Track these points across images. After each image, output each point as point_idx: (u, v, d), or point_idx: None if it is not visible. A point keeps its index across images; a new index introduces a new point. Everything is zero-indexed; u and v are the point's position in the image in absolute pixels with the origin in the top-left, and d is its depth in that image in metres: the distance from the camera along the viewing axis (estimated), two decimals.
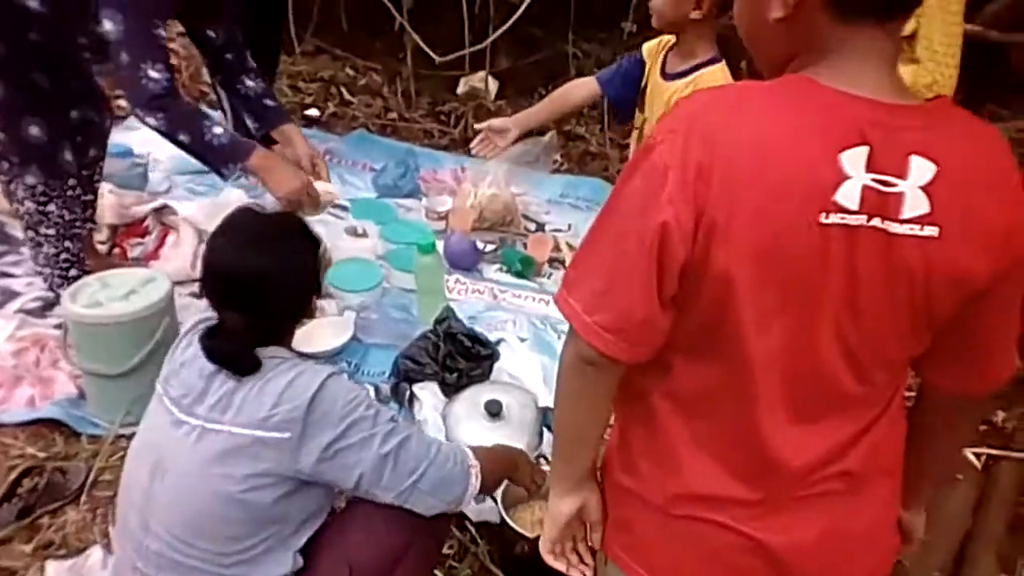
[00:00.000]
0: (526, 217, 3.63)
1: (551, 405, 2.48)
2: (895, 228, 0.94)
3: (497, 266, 3.27)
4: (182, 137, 2.45)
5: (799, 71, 0.98)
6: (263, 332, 1.58)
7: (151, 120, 2.40)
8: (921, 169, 0.93)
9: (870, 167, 0.92)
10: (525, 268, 3.21)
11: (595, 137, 4.52)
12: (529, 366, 2.64)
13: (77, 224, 2.74)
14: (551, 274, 3.25)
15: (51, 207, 2.65)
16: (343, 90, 4.76)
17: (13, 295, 2.89)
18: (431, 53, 4.19)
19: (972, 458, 2.49)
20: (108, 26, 2.28)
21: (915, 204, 0.93)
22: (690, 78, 2.41)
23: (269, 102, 2.85)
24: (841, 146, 0.92)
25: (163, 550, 1.53)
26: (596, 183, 3.97)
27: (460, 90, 4.80)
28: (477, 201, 3.44)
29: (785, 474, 1.06)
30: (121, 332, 2.38)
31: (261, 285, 1.56)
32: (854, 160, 0.92)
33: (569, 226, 3.59)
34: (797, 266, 0.95)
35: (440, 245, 3.12)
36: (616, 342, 1.00)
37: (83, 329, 2.41)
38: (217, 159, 2.50)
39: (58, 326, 2.74)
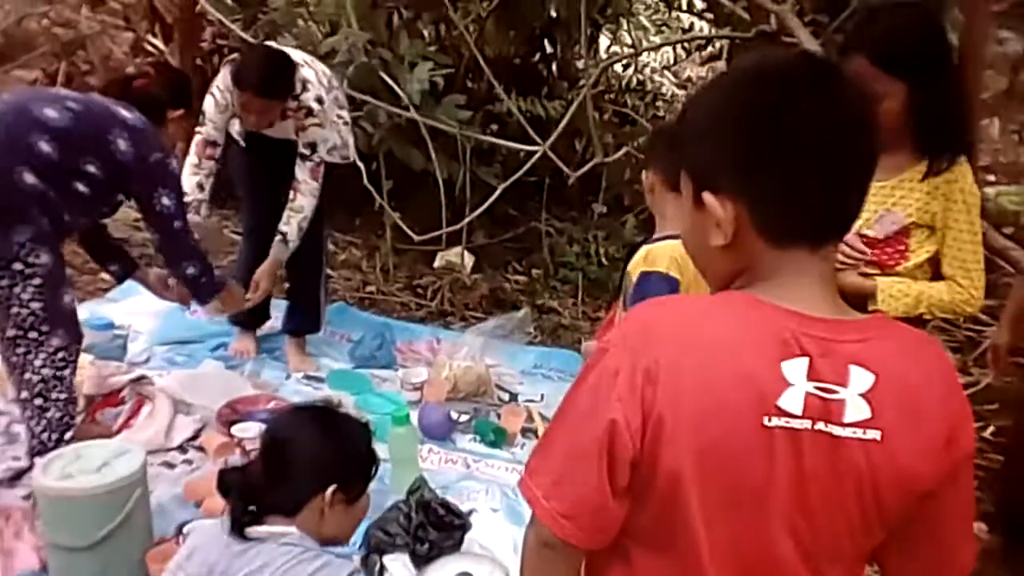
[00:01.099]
0: (499, 387, 3.69)
1: None
2: (839, 431, 0.99)
3: (470, 436, 3.31)
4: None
5: (742, 288, 1.06)
6: (273, 496, 1.66)
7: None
8: (860, 378, 0.99)
9: (811, 376, 0.99)
10: (498, 438, 3.25)
11: (568, 310, 4.66)
12: (501, 537, 2.64)
13: (75, 389, 2.82)
14: (524, 444, 3.28)
15: (66, 371, 2.73)
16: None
17: None
18: (409, 232, 4.37)
19: None
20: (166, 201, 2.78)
21: (856, 410, 0.99)
22: (643, 249, 2.32)
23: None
24: (782, 356, 0.99)
25: None
26: (568, 355, 4.07)
27: (437, 264, 4.97)
28: (452, 372, 3.51)
29: None
30: (92, 505, 2.36)
31: (283, 451, 1.70)
32: (795, 369, 0.99)
33: (542, 396, 3.65)
34: (742, 465, 0.99)
35: (415, 415, 3.17)
36: (571, 528, 1.05)
37: (52, 501, 2.39)
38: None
39: (27, 496, 2.73)
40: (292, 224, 3.38)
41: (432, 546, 2.51)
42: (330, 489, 1.69)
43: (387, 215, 4.70)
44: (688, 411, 0.99)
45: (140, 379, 3.34)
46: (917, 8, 2.09)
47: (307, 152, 3.39)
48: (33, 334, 2.64)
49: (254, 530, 1.63)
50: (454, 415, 3.35)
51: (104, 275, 4.38)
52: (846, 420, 0.99)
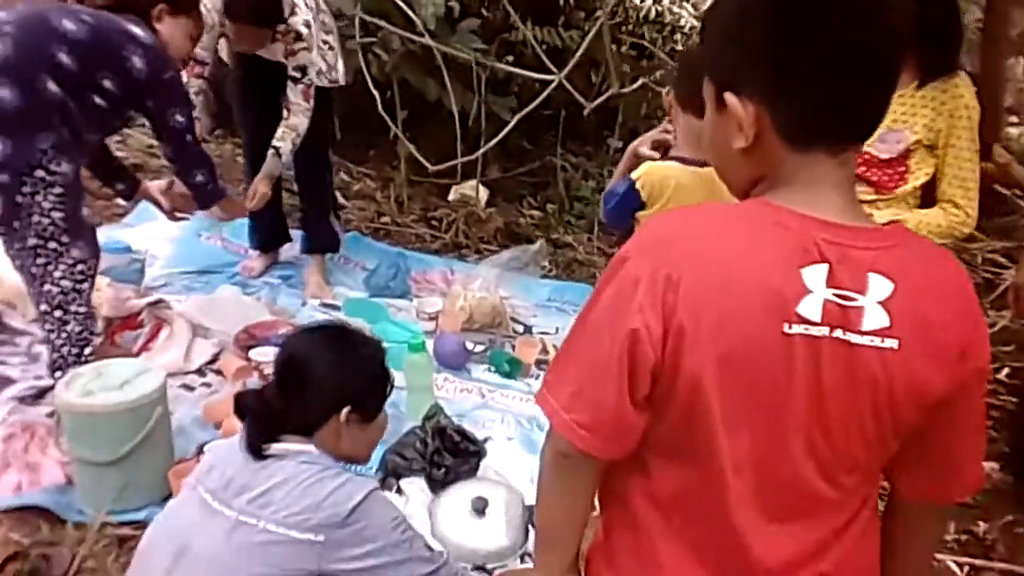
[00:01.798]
0: (514, 320, 3.71)
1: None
2: (856, 339, 0.99)
3: (485, 366, 3.33)
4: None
5: (761, 195, 1.06)
6: (289, 416, 1.67)
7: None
8: (879, 286, 1.00)
9: (830, 283, 0.99)
10: (513, 369, 3.28)
11: (583, 246, 4.65)
12: (516, 464, 2.68)
13: (92, 305, 2.84)
14: (538, 375, 3.31)
15: (85, 285, 2.75)
16: (337, 194, 4.91)
17: (8, 382, 2.92)
18: (424, 162, 4.34)
19: (955, 568, 2.52)
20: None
21: (875, 318, 0.99)
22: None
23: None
24: (801, 263, 0.99)
25: None
26: (583, 288, 4.08)
27: (451, 197, 4.95)
28: (467, 303, 3.53)
29: (761, 574, 1.09)
30: (113, 421, 2.41)
31: (299, 371, 1.70)
32: (814, 276, 0.99)
33: (556, 329, 3.67)
34: (762, 373, 1.00)
35: (430, 345, 3.20)
36: (591, 439, 1.06)
37: (76, 418, 2.44)
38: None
39: (50, 414, 2.77)
40: (286, 140, 3.46)
41: (448, 471, 2.56)
42: (346, 409, 1.70)
43: (401, 145, 4.67)
44: (709, 318, 0.98)
45: (158, 303, 3.36)
46: None
47: (297, 75, 3.46)
48: (53, 244, 2.65)
49: (273, 447, 1.65)
50: (469, 345, 3.38)
51: (119, 201, 4.40)
52: (864, 328, 0.99)
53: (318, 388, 1.70)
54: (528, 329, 3.69)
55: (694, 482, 1.07)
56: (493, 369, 3.31)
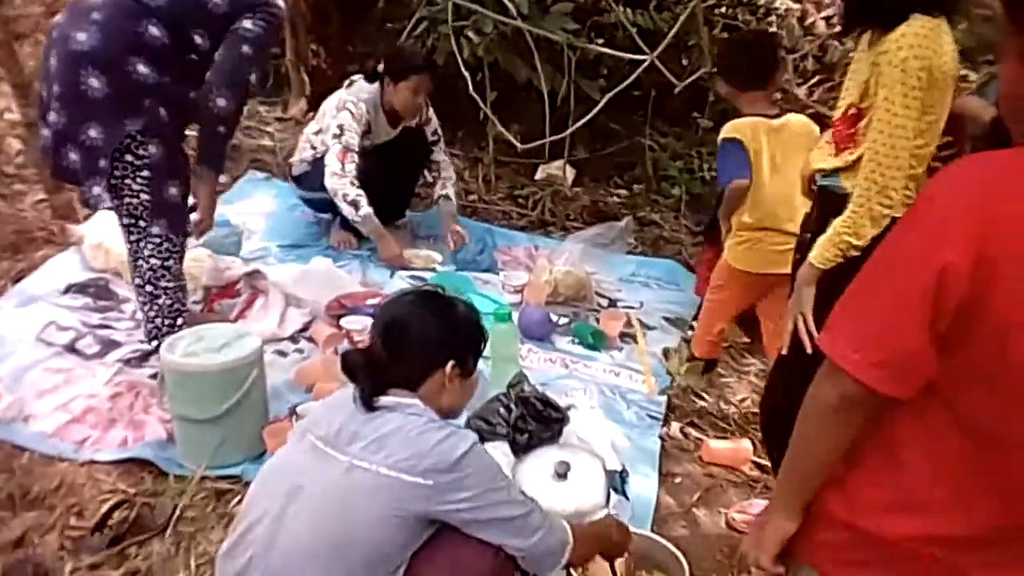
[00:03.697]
0: (599, 294, 3.73)
1: (619, 468, 2.54)
2: None
3: (569, 338, 3.36)
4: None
5: None
6: (395, 372, 1.75)
7: None
8: None
9: None
10: (597, 341, 3.29)
11: (669, 224, 4.62)
12: (599, 431, 2.69)
13: (183, 278, 2.95)
14: (622, 348, 3.32)
15: (171, 262, 2.87)
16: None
17: (115, 345, 3.08)
18: (513, 141, 4.38)
19: None
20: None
21: None
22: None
23: None
24: None
25: (280, 570, 1.65)
26: (669, 264, 4.06)
27: (538, 176, 4.98)
28: (552, 276, 3.56)
29: None
30: (213, 381, 2.52)
31: (404, 330, 1.78)
32: None
33: (641, 303, 3.67)
34: None
35: (515, 316, 3.24)
36: (885, 377, 1.06)
37: (178, 377, 2.56)
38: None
39: (153, 376, 2.91)
40: (449, 188, 4.16)
41: (531, 436, 2.59)
42: (450, 364, 1.78)
43: (490, 126, 4.71)
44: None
45: (254, 273, 3.49)
46: None
47: (435, 138, 4.18)
48: (142, 223, 2.77)
49: (382, 400, 1.73)
50: (553, 317, 3.40)
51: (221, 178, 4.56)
52: None
53: (423, 343, 1.79)
54: (613, 303, 3.70)
55: (984, 422, 1.05)
56: (577, 341, 3.33)
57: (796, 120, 2.94)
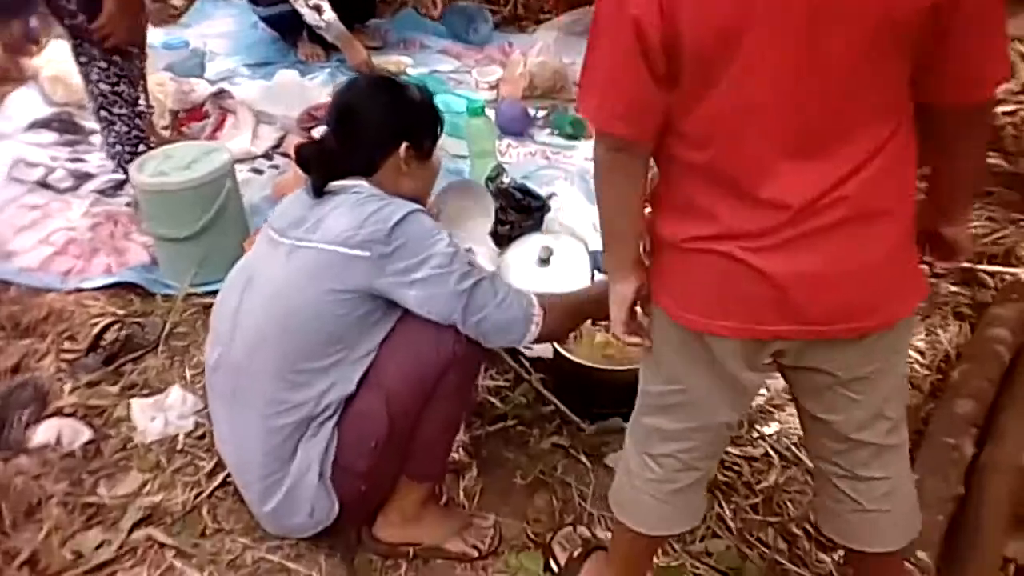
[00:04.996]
0: (576, 84, 3.60)
1: (601, 248, 2.54)
2: None
3: (548, 131, 3.29)
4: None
5: None
6: (349, 159, 1.71)
7: None
8: None
9: None
10: (576, 129, 3.22)
11: None
12: (580, 214, 2.67)
13: (142, 103, 2.85)
14: None
15: (122, 86, 2.76)
16: None
17: (88, 177, 3.05)
18: None
19: None
20: None
21: None
22: None
23: None
24: None
25: (241, 360, 1.68)
26: None
27: None
28: (527, 69, 3.44)
29: (785, 210, 1.14)
30: (185, 198, 2.50)
31: (353, 115, 1.73)
32: None
33: None
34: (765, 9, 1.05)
35: (492, 113, 3.16)
36: (626, 124, 1.17)
37: (151, 197, 2.53)
38: None
39: (130, 204, 2.88)
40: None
41: (513, 227, 2.58)
42: (403, 145, 1.72)
43: None
44: None
45: (220, 93, 3.39)
46: None
47: None
48: (87, 46, 2.66)
49: (330, 185, 1.70)
50: (531, 111, 3.32)
51: (174, 1, 4.39)
52: None
53: (374, 126, 1.73)
54: None
55: (720, 125, 1.14)
56: (556, 132, 3.26)
57: None
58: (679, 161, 1.20)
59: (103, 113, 2.80)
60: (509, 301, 1.69)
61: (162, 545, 1.81)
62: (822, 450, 1.40)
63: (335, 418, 1.68)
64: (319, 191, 1.70)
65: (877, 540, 1.42)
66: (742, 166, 1.15)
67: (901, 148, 1.16)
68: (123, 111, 2.79)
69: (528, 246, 2.48)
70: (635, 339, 1.37)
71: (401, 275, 1.60)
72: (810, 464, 1.73)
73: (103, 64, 2.70)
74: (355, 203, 1.63)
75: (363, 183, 1.70)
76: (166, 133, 3.22)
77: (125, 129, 2.82)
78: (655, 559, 1.77)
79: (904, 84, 1.12)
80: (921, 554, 1.66)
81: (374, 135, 1.73)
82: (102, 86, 2.74)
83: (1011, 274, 2.47)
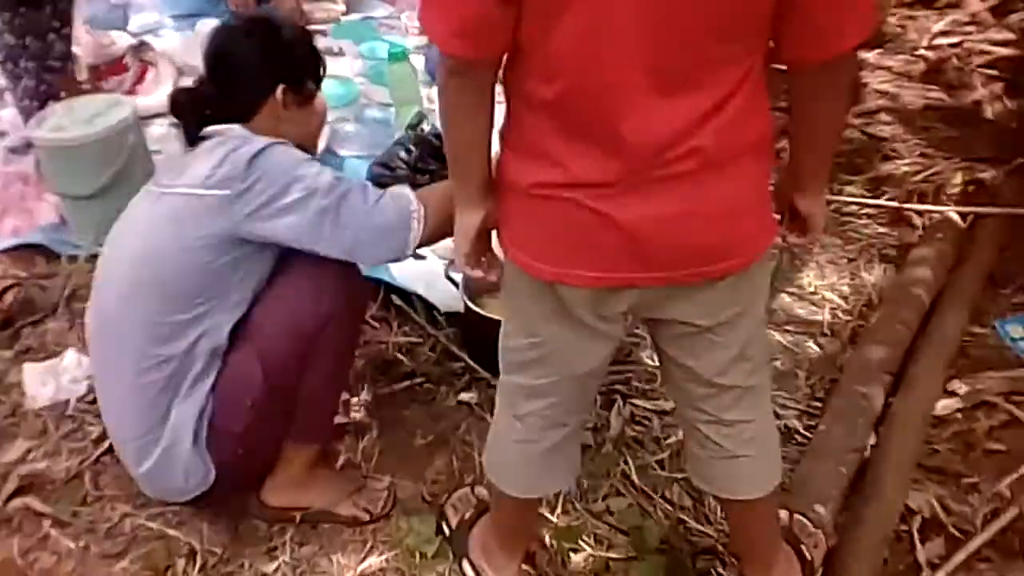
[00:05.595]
0: None
1: None
2: None
3: None
4: None
5: None
6: (224, 106, 1.63)
7: None
8: None
9: None
10: None
11: None
12: None
13: (54, 57, 2.72)
14: None
15: (28, 38, 2.62)
16: None
17: None
18: None
19: (956, 217, 2.37)
20: None
21: None
22: None
23: None
24: None
25: (111, 313, 1.62)
26: None
27: None
28: None
29: (636, 154, 1.07)
30: (86, 153, 2.40)
31: (226, 58, 1.65)
32: None
33: None
34: None
35: (421, 59, 3.05)
36: (467, 44, 1.07)
37: (51, 153, 2.44)
38: None
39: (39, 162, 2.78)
40: None
41: (433, 175, 2.49)
42: (280, 88, 1.64)
43: None
44: None
45: (140, 46, 3.26)
46: None
47: None
48: None
49: (205, 131, 1.63)
50: None
51: None
52: None
53: (247, 69, 1.65)
54: None
55: (567, 63, 1.06)
56: None
57: None
58: (526, 97, 1.12)
59: (9, 66, 2.67)
60: (383, 204, 1.61)
61: (38, 514, 1.75)
62: (686, 396, 1.35)
63: (210, 379, 1.61)
64: (192, 138, 1.63)
65: (742, 487, 1.39)
66: (593, 102, 1.08)
67: (756, 90, 1.09)
68: (30, 64, 2.66)
69: None
70: (479, 272, 1.32)
71: (264, 207, 1.53)
72: None
73: (7, 15, 2.57)
74: (216, 144, 1.57)
75: (235, 127, 1.62)
76: (86, 89, 3.10)
77: (32, 83, 2.69)
78: (554, 518, 1.72)
79: (765, 21, 1.04)
80: (819, 507, 1.62)
81: (248, 78, 1.65)
82: (7, 37, 2.60)
83: (939, 212, 2.39)
